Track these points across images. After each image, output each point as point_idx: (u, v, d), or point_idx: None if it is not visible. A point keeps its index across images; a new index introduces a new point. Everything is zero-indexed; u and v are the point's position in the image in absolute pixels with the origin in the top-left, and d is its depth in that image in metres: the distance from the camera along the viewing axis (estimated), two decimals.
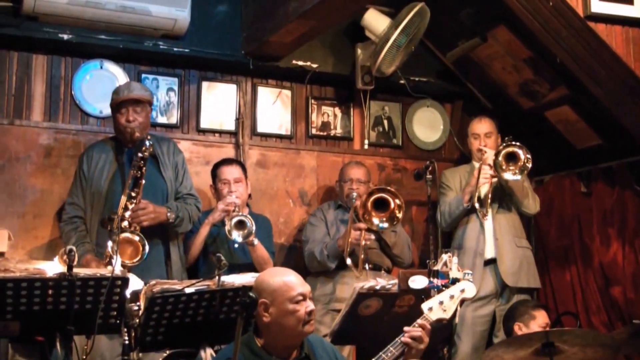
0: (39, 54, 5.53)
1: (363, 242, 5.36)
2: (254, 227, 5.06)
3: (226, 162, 5.58)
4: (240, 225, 5.07)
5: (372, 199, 5.42)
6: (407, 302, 4.41)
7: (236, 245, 5.18)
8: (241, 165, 5.59)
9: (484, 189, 5.64)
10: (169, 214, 4.97)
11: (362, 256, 5.40)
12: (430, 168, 5.38)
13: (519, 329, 4.96)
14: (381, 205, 5.44)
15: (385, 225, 5.42)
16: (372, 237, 5.48)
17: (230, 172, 5.45)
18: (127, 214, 4.73)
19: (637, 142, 5.57)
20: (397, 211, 5.41)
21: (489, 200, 5.63)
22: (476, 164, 5.76)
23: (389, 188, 5.49)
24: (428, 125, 6.71)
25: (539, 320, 4.93)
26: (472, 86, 6.55)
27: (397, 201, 5.40)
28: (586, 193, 6.13)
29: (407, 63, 6.08)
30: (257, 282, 3.59)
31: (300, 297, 3.49)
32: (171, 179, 5.17)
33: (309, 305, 3.51)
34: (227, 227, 5.05)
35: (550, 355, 3.89)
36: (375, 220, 5.42)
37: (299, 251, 5.89)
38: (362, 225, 5.37)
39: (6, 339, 3.75)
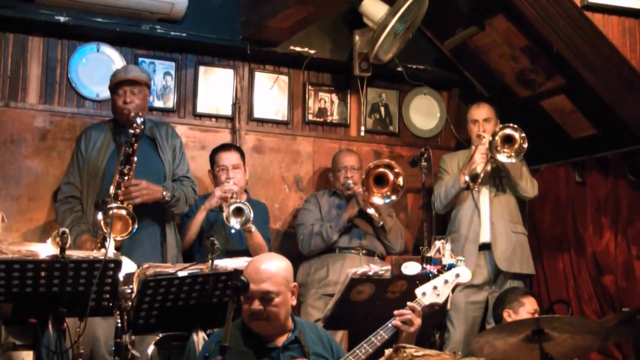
0: (35, 36, 5.51)
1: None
2: (251, 215, 5.06)
3: (225, 147, 5.58)
4: (238, 212, 5.07)
5: (371, 178, 5.44)
6: (399, 288, 4.42)
7: (233, 231, 5.18)
8: (240, 151, 5.59)
9: (479, 168, 5.66)
10: (164, 193, 4.98)
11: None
12: (425, 155, 5.37)
13: (508, 315, 4.98)
14: (381, 181, 5.46)
15: (393, 197, 5.46)
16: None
17: (229, 158, 5.44)
18: (119, 191, 4.74)
19: (632, 132, 5.58)
20: (397, 180, 5.43)
21: (480, 180, 5.64)
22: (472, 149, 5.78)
23: (381, 161, 5.52)
24: (425, 112, 6.71)
25: (527, 307, 4.94)
26: (469, 74, 6.54)
27: (395, 170, 5.43)
28: (581, 182, 6.15)
29: (404, 50, 6.08)
30: None
31: (249, 293, 3.44)
32: (169, 161, 5.18)
33: (253, 305, 3.46)
34: (224, 214, 5.05)
35: (540, 341, 3.90)
36: (379, 200, 5.44)
37: (293, 237, 5.90)
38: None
39: None
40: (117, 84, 5.03)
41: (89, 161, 5.02)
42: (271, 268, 3.52)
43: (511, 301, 5.03)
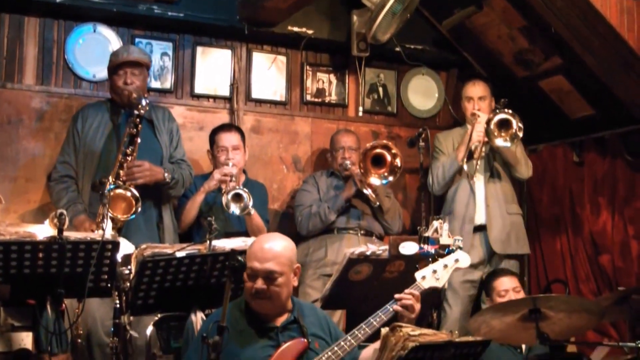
0: (31, 17, 5.49)
1: None
2: (250, 202, 5.05)
3: (225, 128, 5.56)
4: (237, 198, 5.06)
5: (369, 159, 5.44)
6: (397, 267, 4.44)
7: (232, 212, 5.17)
8: (240, 131, 5.57)
9: (476, 152, 5.67)
10: (166, 174, 4.99)
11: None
12: (423, 135, 5.38)
13: (489, 303, 4.99)
14: (378, 162, 5.47)
15: (390, 178, 5.47)
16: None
17: (229, 139, 5.43)
18: (122, 172, 4.73)
19: (630, 112, 5.59)
20: (395, 161, 5.43)
21: (479, 161, 5.65)
22: (468, 128, 5.77)
23: (379, 142, 5.53)
24: (423, 93, 6.70)
25: (498, 290, 4.91)
26: (467, 54, 6.53)
27: (393, 151, 5.44)
28: (578, 162, 6.16)
29: (402, 31, 6.05)
30: None
31: (250, 271, 3.48)
32: (166, 144, 5.19)
33: (258, 284, 3.48)
34: (224, 201, 5.03)
35: (536, 321, 3.92)
36: (377, 180, 5.45)
37: (291, 218, 5.91)
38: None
39: None
40: (118, 64, 5.01)
41: (86, 141, 5.01)
42: (276, 248, 3.54)
43: (487, 290, 5.03)
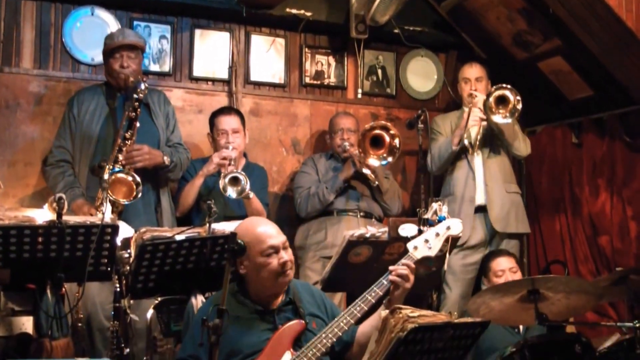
0: (28, 0, 5.47)
1: None
2: (247, 185, 5.04)
3: (225, 111, 5.55)
4: (235, 181, 5.05)
5: (367, 140, 5.44)
6: (397, 249, 4.44)
7: (229, 195, 5.17)
8: (240, 115, 5.56)
9: (474, 132, 5.67)
10: (165, 158, 5.00)
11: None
12: (422, 117, 5.38)
13: (487, 284, 5.02)
14: (377, 143, 5.47)
15: (389, 159, 5.47)
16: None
17: (228, 122, 5.42)
18: (121, 155, 4.73)
19: (628, 93, 5.59)
20: (393, 142, 5.44)
21: (478, 143, 5.65)
22: (467, 109, 5.76)
23: (377, 123, 5.53)
24: (422, 74, 6.70)
25: (494, 270, 4.94)
26: (466, 36, 6.52)
27: (391, 132, 5.44)
28: (577, 144, 6.17)
29: (401, 12, 6.05)
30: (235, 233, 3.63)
31: (271, 250, 3.50)
32: (163, 128, 5.18)
33: (283, 256, 3.51)
34: (221, 184, 5.03)
35: (535, 301, 3.94)
36: (375, 161, 5.45)
37: (291, 200, 5.92)
38: None
39: None
40: (114, 48, 5.00)
41: (82, 125, 5.00)
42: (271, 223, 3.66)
43: (484, 270, 5.06)
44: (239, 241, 3.13)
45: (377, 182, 5.57)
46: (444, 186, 5.89)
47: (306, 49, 6.33)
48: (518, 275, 4.90)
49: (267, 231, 3.55)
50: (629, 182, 5.80)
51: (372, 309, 3.48)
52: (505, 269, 4.90)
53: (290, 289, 3.62)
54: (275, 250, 3.50)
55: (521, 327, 4.68)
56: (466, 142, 5.67)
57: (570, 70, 5.90)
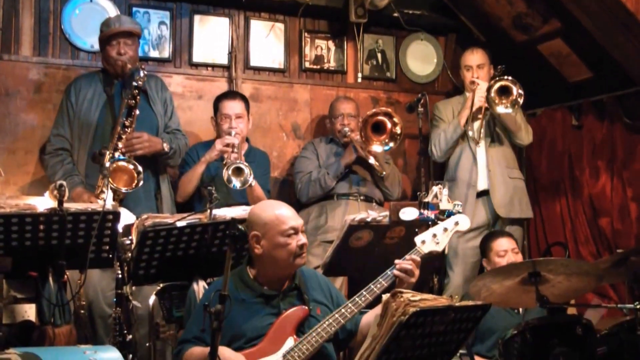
0: None
1: None
2: (251, 176, 5.04)
3: (229, 95, 5.54)
4: (238, 171, 5.05)
5: (369, 126, 5.44)
6: (397, 233, 4.46)
7: (233, 186, 5.17)
8: (244, 99, 5.54)
9: (477, 124, 5.66)
10: (164, 145, 5.00)
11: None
12: (422, 101, 5.38)
13: (487, 264, 5.02)
14: (378, 129, 5.47)
15: (391, 144, 5.47)
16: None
17: (232, 107, 5.41)
18: (121, 143, 4.73)
19: (628, 75, 5.58)
20: (395, 128, 5.43)
21: (482, 129, 5.65)
22: (468, 95, 5.76)
23: (379, 109, 5.53)
24: (421, 58, 6.69)
25: (496, 250, 4.94)
26: (465, 19, 6.51)
27: (394, 119, 5.43)
28: (577, 126, 6.16)
29: None
30: (250, 215, 3.67)
31: (292, 231, 3.56)
32: (161, 114, 5.18)
33: (301, 239, 3.58)
34: (225, 176, 5.01)
35: (536, 284, 3.95)
36: (378, 147, 5.45)
37: (291, 185, 5.93)
38: None
39: (0, 275, 3.77)
40: (110, 35, 4.99)
41: (80, 113, 5.00)
42: None
43: (485, 250, 5.06)
44: (241, 227, 3.14)
45: (384, 172, 5.55)
46: (447, 171, 5.89)
47: (306, 34, 6.32)
48: (520, 256, 4.91)
49: (288, 213, 3.63)
50: (629, 163, 5.80)
51: (377, 300, 3.50)
52: (507, 249, 4.90)
53: (297, 274, 3.66)
54: (295, 231, 3.57)
55: (520, 308, 4.69)
56: (470, 133, 5.67)
57: (570, 52, 5.88)
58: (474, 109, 5.62)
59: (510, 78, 5.42)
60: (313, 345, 3.42)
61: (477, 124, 5.68)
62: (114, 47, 4.97)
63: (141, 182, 4.66)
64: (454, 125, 5.72)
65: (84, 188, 4.85)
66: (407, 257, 3.68)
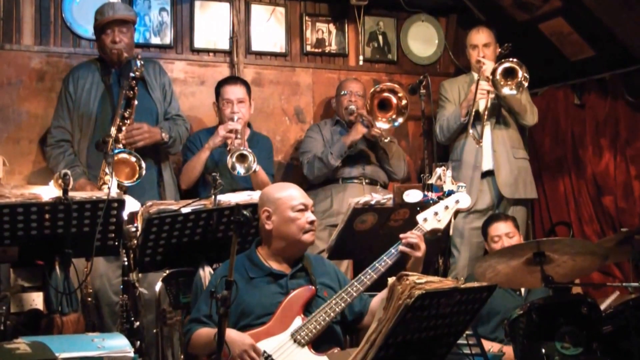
0: None
1: None
2: (255, 162, 5.04)
3: (231, 80, 5.54)
4: (242, 158, 5.05)
5: (375, 102, 5.44)
6: (402, 215, 4.47)
7: (237, 173, 5.16)
8: (246, 84, 5.54)
9: (482, 104, 5.64)
10: (163, 134, 5.00)
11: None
12: (424, 82, 5.37)
13: (487, 246, 5.04)
14: (384, 106, 5.47)
15: (400, 119, 5.48)
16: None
17: (234, 92, 5.41)
18: (120, 135, 4.71)
19: (630, 52, 5.56)
20: (401, 103, 5.44)
21: (485, 117, 5.63)
22: (475, 75, 5.74)
23: (384, 85, 5.53)
24: (423, 39, 6.67)
25: (491, 235, 4.94)
26: None
27: (399, 94, 5.44)
28: (580, 105, 6.15)
29: None
30: (263, 193, 3.81)
31: (302, 207, 3.66)
32: (160, 100, 5.17)
33: (310, 216, 3.67)
34: (229, 163, 5.02)
35: (541, 264, 3.96)
36: (385, 124, 5.45)
37: (295, 169, 5.93)
38: None
39: (7, 264, 3.79)
40: (105, 24, 4.97)
41: (79, 103, 4.99)
42: None
43: (484, 235, 5.07)
44: (245, 212, 3.16)
45: (388, 138, 5.54)
46: (452, 153, 5.88)
47: (306, 17, 6.31)
48: (514, 241, 4.86)
49: (299, 191, 3.75)
50: (632, 141, 5.79)
51: (382, 278, 3.51)
52: (501, 234, 4.90)
53: (304, 258, 3.73)
54: (305, 207, 3.67)
55: (522, 289, 4.71)
56: (471, 131, 5.64)
57: (571, 31, 5.86)
58: (476, 100, 5.59)
59: (515, 60, 5.39)
60: (321, 324, 3.47)
61: (482, 106, 5.65)
62: (109, 36, 4.96)
63: (143, 174, 4.66)
64: (455, 116, 5.71)
65: (86, 179, 4.85)
66: (410, 233, 3.72)
